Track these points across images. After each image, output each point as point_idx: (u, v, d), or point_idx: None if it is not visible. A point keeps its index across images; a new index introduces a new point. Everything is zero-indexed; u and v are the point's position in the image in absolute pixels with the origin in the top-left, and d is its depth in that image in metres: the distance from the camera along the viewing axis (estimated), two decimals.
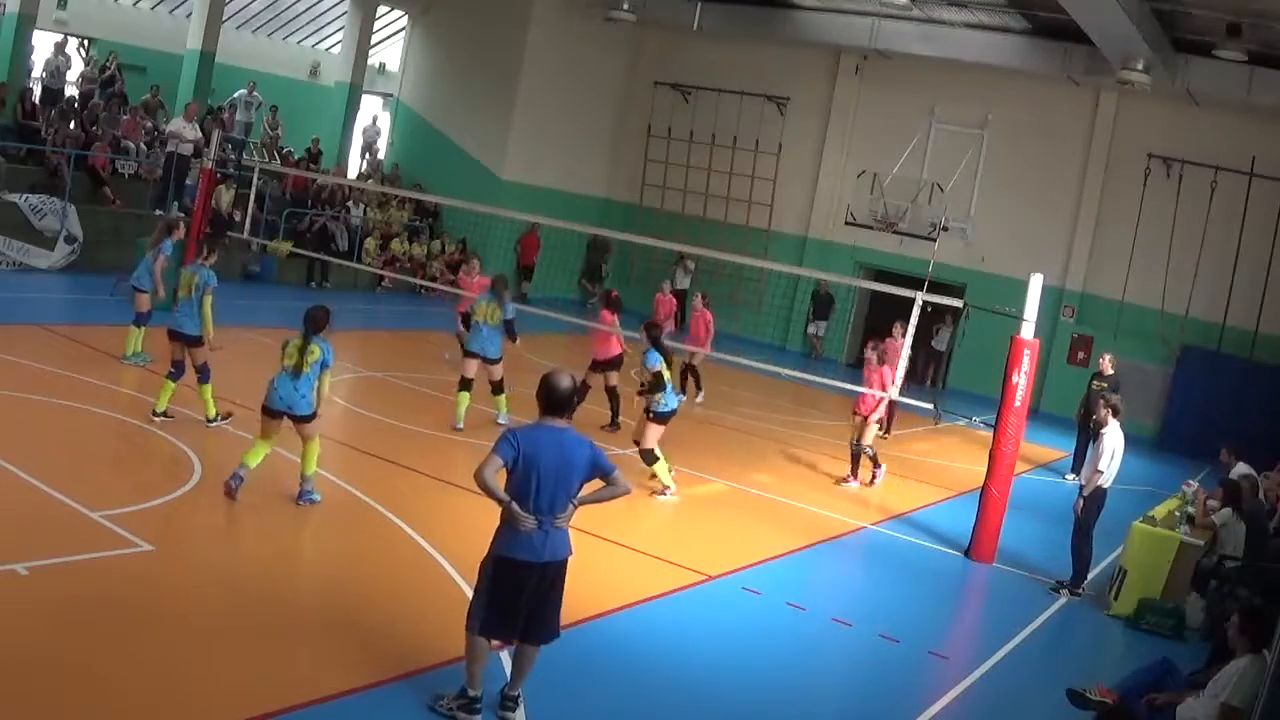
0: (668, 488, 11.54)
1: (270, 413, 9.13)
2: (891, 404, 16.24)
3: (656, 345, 11.61)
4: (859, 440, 13.47)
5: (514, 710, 6.25)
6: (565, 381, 6.18)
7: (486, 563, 6.14)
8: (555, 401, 6.11)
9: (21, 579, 6.92)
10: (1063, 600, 10.53)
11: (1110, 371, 16.05)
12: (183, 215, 17.96)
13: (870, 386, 13.23)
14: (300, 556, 8.55)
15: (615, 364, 14.29)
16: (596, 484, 6.25)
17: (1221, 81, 20.07)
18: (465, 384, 12.94)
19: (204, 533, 8.46)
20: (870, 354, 13.51)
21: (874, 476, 13.72)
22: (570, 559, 6.21)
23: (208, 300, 11.07)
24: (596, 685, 7.07)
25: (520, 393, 12.06)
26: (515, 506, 5.96)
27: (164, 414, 11.00)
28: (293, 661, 6.63)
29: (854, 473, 13.62)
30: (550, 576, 6.11)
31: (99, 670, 6.03)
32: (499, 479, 5.98)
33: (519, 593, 6.03)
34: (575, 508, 6.15)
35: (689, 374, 16.81)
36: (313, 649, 6.81)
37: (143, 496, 8.69)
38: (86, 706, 5.68)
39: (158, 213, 19.64)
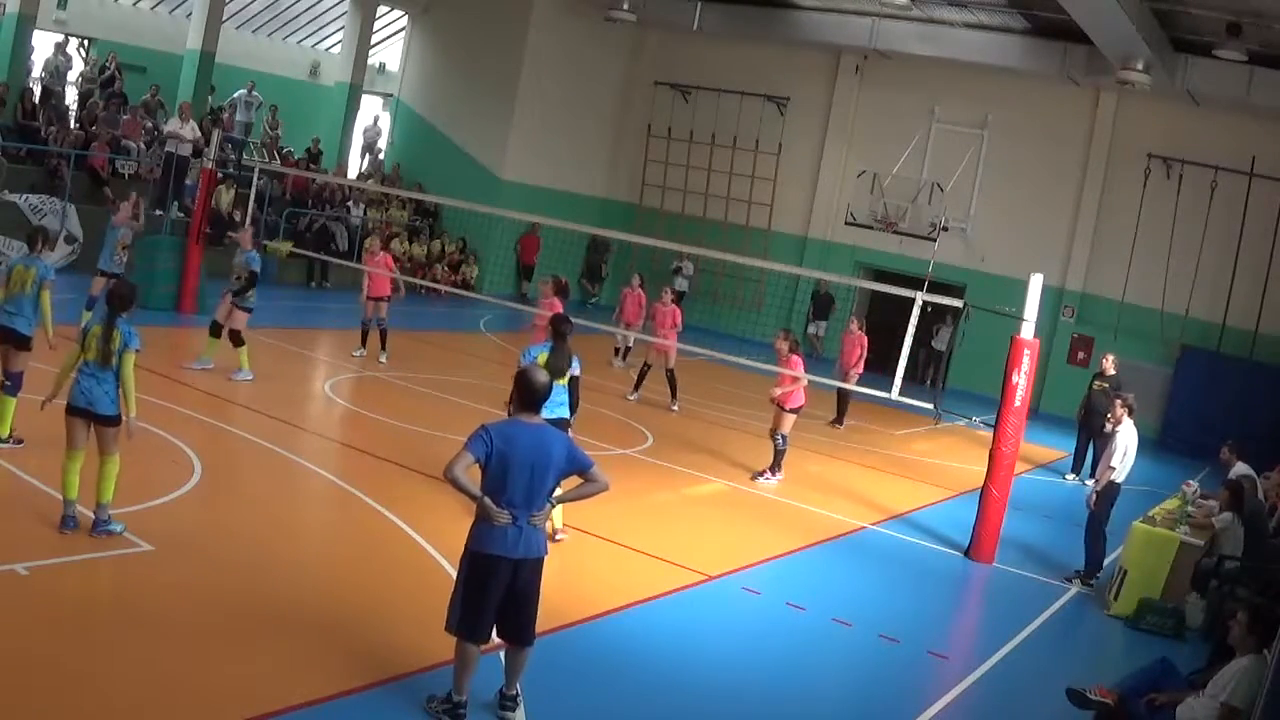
0: (206, 360, 13.38)
1: (73, 410, 7.85)
2: (844, 394, 16.85)
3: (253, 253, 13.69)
4: (776, 429, 13.09)
5: (513, 710, 6.25)
6: (541, 378, 6.17)
7: (463, 559, 6.13)
8: (531, 398, 6.09)
9: (21, 579, 6.92)
10: (1071, 592, 10.60)
11: (1112, 372, 16.06)
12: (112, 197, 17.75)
13: (782, 378, 13.03)
14: (300, 557, 8.54)
15: None
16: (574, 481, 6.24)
17: (1221, 81, 20.06)
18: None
19: (204, 533, 8.45)
20: (781, 344, 13.17)
21: (770, 472, 13.10)
22: (546, 558, 6.17)
23: (46, 295, 9.55)
24: (596, 685, 7.07)
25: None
26: (488, 502, 5.94)
27: (8, 439, 9.41)
28: (292, 662, 6.62)
29: (777, 464, 13.16)
30: (526, 575, 6.07)
31: (99, 670, 6.03)
32: (474, 476, 5.94)
33: (494, 589, 6.00)
34: (552, 506, 6.12)
35: (655, 377, 16.68)
36: (313, 649, 6.80)
37: (143, 496, 8.67)
38: (86, 706, 5.68)
39: (158, 212, 19.62)
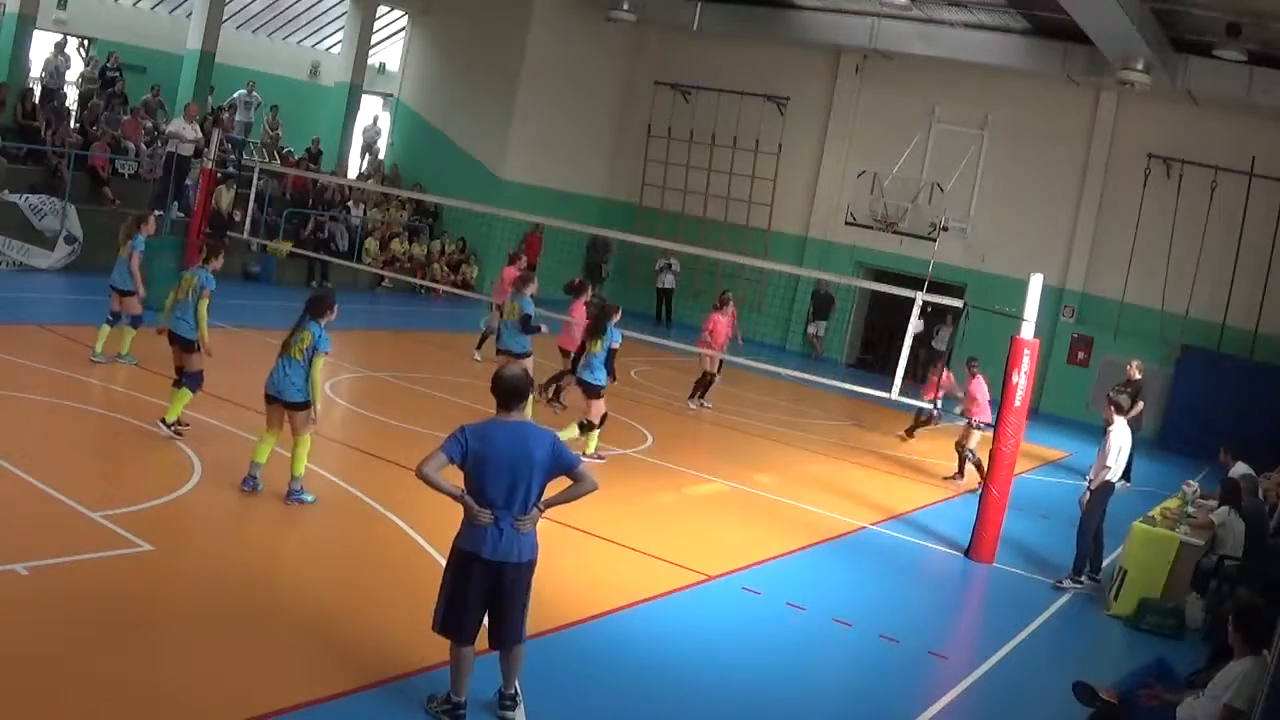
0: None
1: (267, 398, 9.28)
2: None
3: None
4: (962, 442, 14.56)
5: (513, 709, 6.25)
6: (514, 373, 6.15)
7: (448, 556, 6.12)
8: (506, 394, 6.04)
9: (21, 579, 6.91)
10: (1064, 598, 10.57)
11: (1137, 376, 15.97)
12: (155, 212, 17.61)
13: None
14: (301, 557, 8.54)
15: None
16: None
17: (1221, 81, 20.07)
18: None
19: (203, 533, 8.45)
20: (971, 366, 14.68)
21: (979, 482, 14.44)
22: (536, 562, 6.10)
23: (203, 304, 10.61)
24: (596, 685, 7.07)
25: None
26: (469, 499, 5.90)
27: (176, 424, 10.45)
28: (291, 662, 6.62)
29: (960, 472, 14.75)
30: (509, 579, 5.96)
31: (98, 670, 6.03)
32: (454, 478, 5.91)
33: (473, 589, 5.94)
34: (541, 511, 6.01)
35: (704, 381, 16.99)
36: (313, 649, 6.80)
37: (143, 496, 8.69)
38: (86, 707, 5.68)
39: (157, 213, 19.61)
